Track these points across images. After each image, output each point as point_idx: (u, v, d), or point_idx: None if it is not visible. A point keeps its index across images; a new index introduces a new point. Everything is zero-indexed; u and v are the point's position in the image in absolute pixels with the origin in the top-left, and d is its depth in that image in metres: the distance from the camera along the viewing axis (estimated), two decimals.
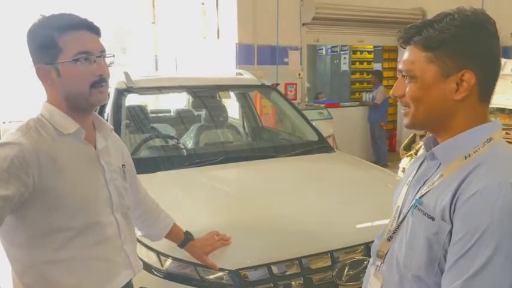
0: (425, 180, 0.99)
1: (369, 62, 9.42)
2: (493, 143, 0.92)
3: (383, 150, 7.21)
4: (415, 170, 1.07)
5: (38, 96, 1.33)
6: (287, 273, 1.80)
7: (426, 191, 0.96)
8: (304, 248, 1.85)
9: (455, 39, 0.90)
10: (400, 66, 0.99)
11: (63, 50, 1.19)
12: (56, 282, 1.23)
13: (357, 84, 9.33)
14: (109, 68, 1.27)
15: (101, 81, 1.23)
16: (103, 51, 1.25)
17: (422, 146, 1.08)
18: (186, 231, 1.73)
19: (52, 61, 1.20)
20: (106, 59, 1.26)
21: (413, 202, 0.98)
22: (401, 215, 1.03)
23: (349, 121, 6.99)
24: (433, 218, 0.90)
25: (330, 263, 1.85)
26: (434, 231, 0.89)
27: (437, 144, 0.99)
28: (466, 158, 0.91)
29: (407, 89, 0.97)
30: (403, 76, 0.98)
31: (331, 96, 8.87)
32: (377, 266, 1.09)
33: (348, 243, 1.91)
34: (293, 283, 1.80)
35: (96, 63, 1.22)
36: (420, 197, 0.96)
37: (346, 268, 1.86)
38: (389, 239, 1.05)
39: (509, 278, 0.79)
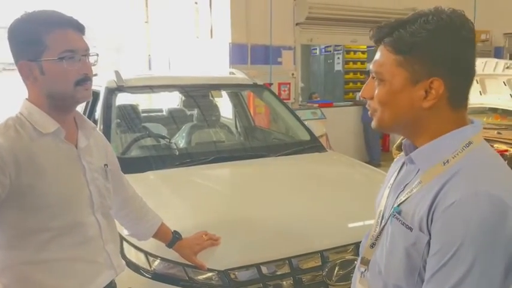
0: (405, 185, 0.96)
1: (362, 62, 9.44)
2: (472, 147, 0.88)
3: (376, 150, 7.22)
4: (396, 172, 1.04)
5: (21, 95, 1.31)
6: (277, 274, 1.79)
7: (405, 198, 0.93)
8: (294, 248, 1.84)
9: (427, 45, 0.86)
10: (370, 66, 0.95)
11: (48, 47, 1.17)
12: (36, 284, 1.21)
13: (351, 84, 9.34)
14: (93, 67, 1.26)
15: (85, 80, 1.22)
16: (87, 50, 1.23)
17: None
18: (175, 231, 1.71)
19: (36, 58, 1.18)
20: (90, 58, 1.25)
21: (391, 210, 0.95)
22: (383, 221, 1.00)
23: (342, 121, 6.99)
24: (411, 228, 0.88)
25: (320, 263, 1.84)
26: (413, 241, 0.87)
27: (416, 147, 0.95)
28: (444, 164, 0.87)
29: (375, 92, 0.93)
30: (373, 77, 0.95)
31: (325, 96, 8.88)
32: (362, 272, 1.07)
33: (338, 243, 1.90)
34: (283, 283, 1.79)
35: (81, 62, 1.21)
36: (399, 205, 0.93)
37: (336, 268, 1.85)
38: (372, 245, 1.03)
39: None
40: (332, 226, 2.01)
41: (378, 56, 0.93)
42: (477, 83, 4.35)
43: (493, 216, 0.78)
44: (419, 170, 0.93)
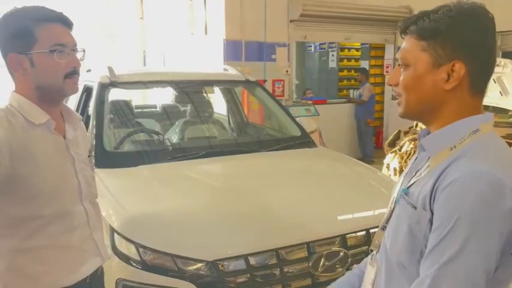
0: (417, 171, 1.00)
1: (356, 60, 9.47)
2: (479, 134, 0.91)
3: (369, 146, 7.28)
4: (412, 162, 1.07)
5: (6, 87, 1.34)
6: (264, 264, 1.83)
7: (414, 181, 0.97)
8: (281, 240, 1.89)
9: (448, 30, 0.91)
10: (397, 55, 1.02)
11: (38, 40, 1.21)
12: (25, 271, 1.25)
13: (345, 82, 9.39)
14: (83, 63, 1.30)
15: (74, 73, 1.27)
16: (75, 45, 1.28)
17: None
18: None
19: (26, 51, 1.21)
20: (78, 53, 1.29)
21: (400, 192, 1.00)
22: (394, 205, 1.05)
23: (336, 118, 7.04)
24: (415, 207, 0.92)
25: (306, 255, 1.89)
26: (416, 220, 0.91)
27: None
28: (451, 149, 0.92)
29: (401, 78, 0.99)
30: (399, 65, 1.01)
31: (319, 93, 8.91)
32: (372, 254, 1.12)
33: (324, 235, 1.95)
34: (270, 274, 1.84)
35: (70, 56, 1.26)
36: (408, 187, 0.98)
37: (322, 259, 1.90)
38: (383, 228, 1.07)
39: (482, 266, 0.81)
40: (319, 218, 2.06)
41: (404, 44, 0.99)
42: None
43: (489, 194, 0.81)
44: (430, 156, 0.98)
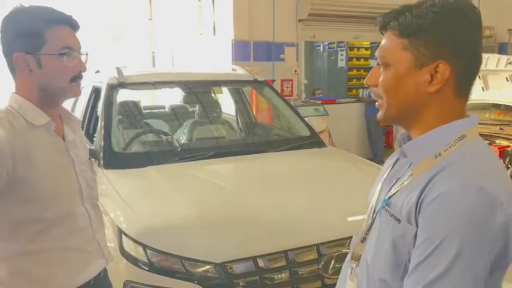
0: (397, 179, 0.93)
1: (365, 59, 9.42)
2: (465, 140, 0.85)
3: (379, 146, 7.22)
4: (390, 167, 1.00)
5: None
6: (273, 267, 1.81)
7: (395, 191, 0.90)
8: (291, 241, 1.87)
9: (432, 27, 0.84)
10: (376, 52, 0.93)
11: (47, 42, 1.21)
12: (29, 274, 1.24)
13: (354, 81, 9.33)
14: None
15: (79, 77, 1.27)
16: (80, 48, 1.28)
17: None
18: None
19: (34, 51, 1.20)
20: (82, 57, 1.29)
21: (381, 202, 0.93)
22: (374, 215, 0.98)
23: (345, 117, 6.98)
24: (399, 220, 0.85)
25: (316, 256, 1.86)
26: (400, 233, 0.84)
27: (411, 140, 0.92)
28: (436, 157, 0.84)
29: (381, 78, 0.90)
30: (378, 64, 0.93)
31: (329, 93, 8.87)
32: (352, 268, 1.05)
33: (334, 237, 1.92)
34: (279, 276, 1.81)
35: (77, 59, 1.26)
36: (389, 198, 0.91)
37: (333, 261, 1.87)
38: (363, 240, 1.00)
39: (470, 287, 0.76)
40: (328, 220, 2.03)
41: (383, 41, 0.91)
42: (479, 78, 4.34)
43: (482, 210, 0.75)
44: (411, 163, 0.90)
